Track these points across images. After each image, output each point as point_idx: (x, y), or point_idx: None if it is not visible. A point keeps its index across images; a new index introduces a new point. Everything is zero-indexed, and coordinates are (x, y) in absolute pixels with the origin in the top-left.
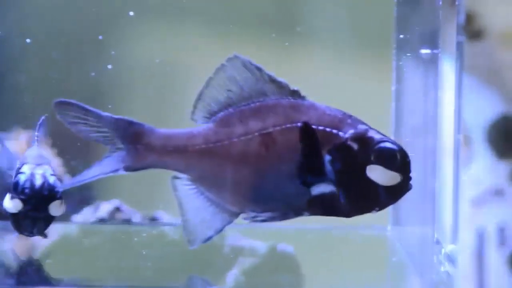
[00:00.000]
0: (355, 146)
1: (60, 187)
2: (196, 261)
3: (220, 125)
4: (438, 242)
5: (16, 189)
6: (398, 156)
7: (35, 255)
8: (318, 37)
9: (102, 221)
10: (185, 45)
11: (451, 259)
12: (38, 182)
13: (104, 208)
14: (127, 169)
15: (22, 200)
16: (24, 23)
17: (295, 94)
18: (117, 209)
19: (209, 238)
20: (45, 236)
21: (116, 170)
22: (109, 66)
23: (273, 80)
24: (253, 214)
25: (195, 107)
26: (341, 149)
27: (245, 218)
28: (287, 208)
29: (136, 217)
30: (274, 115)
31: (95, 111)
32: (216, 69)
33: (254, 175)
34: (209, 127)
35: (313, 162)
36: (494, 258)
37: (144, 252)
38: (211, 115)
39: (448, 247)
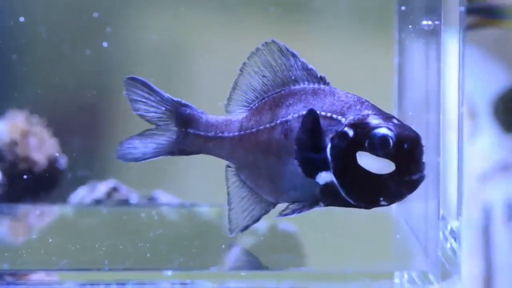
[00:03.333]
0: (350, 132)
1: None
2: (195, 241)
3: (253, 113)
4: (443, 218)
5: None
6: (391, 143)
7: (30, 237)
8: (318, 10)
9: (98, 202)
10: (185, 22)
11: (456, 235)
12: None
13: (101, 188)
14: (180, 152)
15: None
16: (16, 1)
17: (322, 80)
18: (114, 189)
19: (246, 227)
20: None
21: (172, 153)
22: (105, 44)
23: (304, 67)
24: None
25: (230, 97)
26: (337, 136)
27: (276, 217)
28: (305, 198)
29: (134, 197)
30: (296, 102)
31: (159, 91)
32: (251, 53)
33: (276, 164)
34: (245, 115)
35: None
36: (501, 235)
37: (142, 234)
38: (248, 103)
39: (453, 224)
